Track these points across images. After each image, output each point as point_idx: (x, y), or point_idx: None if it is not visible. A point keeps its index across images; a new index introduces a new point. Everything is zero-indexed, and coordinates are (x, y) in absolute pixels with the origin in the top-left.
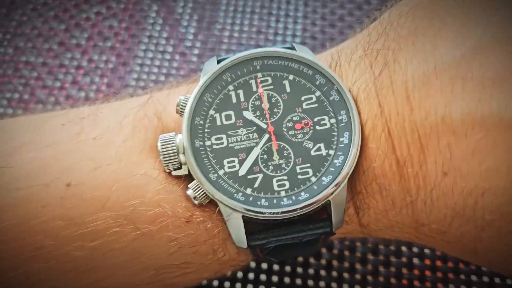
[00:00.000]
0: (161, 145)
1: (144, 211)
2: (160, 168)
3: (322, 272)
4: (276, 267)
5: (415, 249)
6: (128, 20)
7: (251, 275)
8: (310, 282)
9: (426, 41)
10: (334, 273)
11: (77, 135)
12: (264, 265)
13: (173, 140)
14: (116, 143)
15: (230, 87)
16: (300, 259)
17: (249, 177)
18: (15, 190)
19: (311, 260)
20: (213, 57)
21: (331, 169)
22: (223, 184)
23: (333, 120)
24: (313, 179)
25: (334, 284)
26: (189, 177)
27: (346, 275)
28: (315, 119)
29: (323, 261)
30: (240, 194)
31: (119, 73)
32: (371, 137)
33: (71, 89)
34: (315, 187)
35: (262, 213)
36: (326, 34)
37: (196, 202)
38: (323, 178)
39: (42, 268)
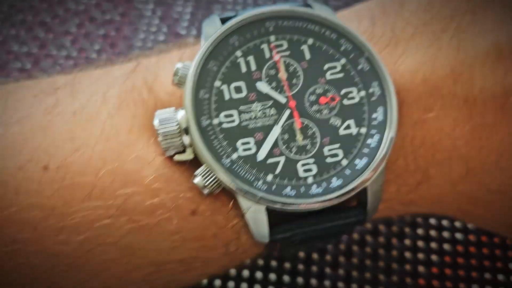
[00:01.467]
0: (160, 124)
1: (139, 201)
2: (155, 151)
3: (327, 270)
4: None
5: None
6: None
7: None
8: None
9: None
10: (341, 272)
11: (52, 107)
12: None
13: (174, 117)
14: (100, 120)
15: (238, 53)
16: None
17: (269, 161)
18: None
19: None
20: (213, 16)
21: (364, 150)
22: (238, 170)
23: (362, 93)
24: (344, 162)
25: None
26: (193, 163)
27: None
28: (342, 92)
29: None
30: (261, 182)
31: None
32: (417, 107)
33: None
34: (348, 172)
35: (290, 204)
36: None
37: (205, 191)
38: (357, 161)
39: (16, 267)
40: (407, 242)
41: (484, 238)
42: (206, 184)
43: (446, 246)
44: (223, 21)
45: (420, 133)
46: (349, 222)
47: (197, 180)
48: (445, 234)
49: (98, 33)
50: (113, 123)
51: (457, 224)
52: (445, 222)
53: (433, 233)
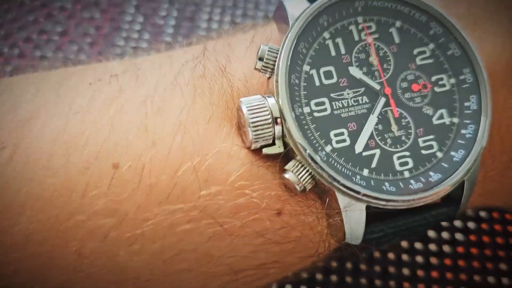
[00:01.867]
0: (250, 112)
1: (223, 201)
2: (238, 144)
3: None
4: None
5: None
6: None
7: None
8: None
9: None
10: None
11: (115, 97)
12: None
13: (265, 105)
14: (174, 109)
15: (326, 35)
16: None
17: (364, 154)
18: (37, 175)
19: None
20: None
21: (459, 141)
22: (334, 164)
23: (453, 80)
24: (439, 154)
25: None
26: (279, 157)
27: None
28: (433, 79)
29: None
30: (358, 177)
31: None
32: (502, 92)
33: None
34: (446, 165)
35: (394, 201)
36: None
37: (299, 188)
38: (453, 153)
39: (82, 282)
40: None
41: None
42: (300, 179)
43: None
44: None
45: (506, 121)
46: (440, 218)
47: (289, 175)
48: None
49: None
50: (189, 113)
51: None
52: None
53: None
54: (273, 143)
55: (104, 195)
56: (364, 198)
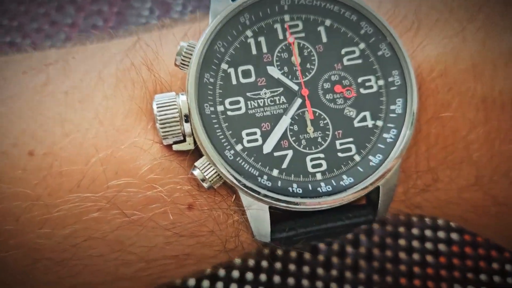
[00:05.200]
0: (158, 109)
1: (133, 193)
2: (153, 139)
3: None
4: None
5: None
6: None
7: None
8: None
9: None
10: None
11: (42, 86)
12: None
13: (175, 103)
14: (94, 101)
15: (249, 33)
16: None
17: (276, 154)
18: None
19: None
20: None
21: (380, 145)
22: (242, 163)
23: (381, 82)
24: (357, 157)
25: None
26: (194, 153)
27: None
28: (359, 80)
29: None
30: (265, 177)
31: None
32: (434, 101)
33: None
34: (361, 169)
35: (296, 203)
36: None
37: (205, 185)
38: (370, 157)
39: None
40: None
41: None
42: (206, 177)
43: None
44: None
45: (435, 131)
46: (357, 222)
47: (196, 172)
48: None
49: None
50: (109, 105)
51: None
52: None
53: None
54: (184, 140)
55: (19, 179)
56: (265, 199)
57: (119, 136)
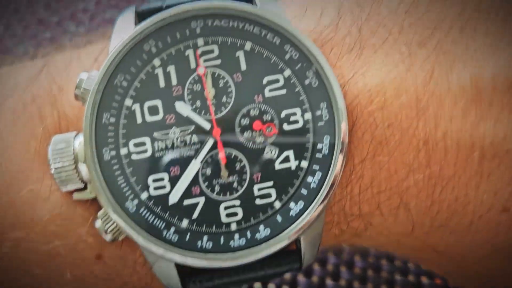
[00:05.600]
0: (53, 155)
1: (32, 248)
2: (53, 184)
3: None
4: None
5: None
6: None
7: None
8: None
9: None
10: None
11: None
12: None
13: (70, 147)
14: None
15: (156, 62)
16: None
17: (185, 203)
18: None
19: None
20: (129, 9)
21: (302, 191)
22: (146, 215)
23: (308, 116)
24: (277, 204)
25: None
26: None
27: None
28: (282, 114)
29: None
30: (172, 229)
31: None
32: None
33: None
34: (280, 219)
35: (204, 259)
36: None
37: (107, 238)
38: (291, 205)
39: None
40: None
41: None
42: (107, 230)
43: None
44: (142, 15)
45: (370, 173)
46: (281, 271)
47: (98, 224)
48: None
49: None
50: (6, 143)
51: None
52: None
53: None
54: (86, 187)
55: None
56: (167, 257)
57: (16, 182)
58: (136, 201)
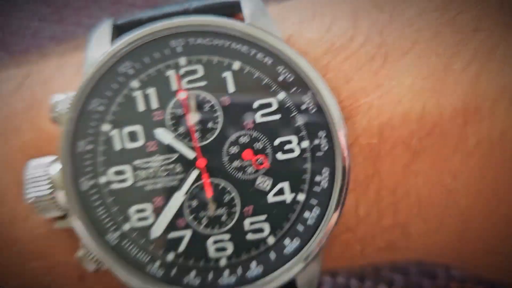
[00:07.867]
0: (28, 183)
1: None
2: None
3: None
4: None
5: None
6: None
7: None
8: None
9: None
10: None
11: None
12: None
13: (46, 176)
14: None
15: (134, 84)
16: None
17: (171, 236)
18: None
19: None
20: (105, 23)
21: (299, 227)
22: (129, 247)
23: (305, 144)
24: (271, 240)
25: None
26: None
27: None
28: (276, 142)
29: None
30: (158, 263)
31: None
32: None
33: None
34: (273, 256)
35: None
36: None
37: (90, 268)
38: (286, 242)
39: None
40: None
41: None
42: (90, 259)
43: None
44: (120, 28)
45: (364, 198)
46: None
47: (80, 254)
48: None
49: None
50: None
51: None
52: None
53: None
54: (66, 216)
55: None
56: None
57: None
58: (118, 233)
